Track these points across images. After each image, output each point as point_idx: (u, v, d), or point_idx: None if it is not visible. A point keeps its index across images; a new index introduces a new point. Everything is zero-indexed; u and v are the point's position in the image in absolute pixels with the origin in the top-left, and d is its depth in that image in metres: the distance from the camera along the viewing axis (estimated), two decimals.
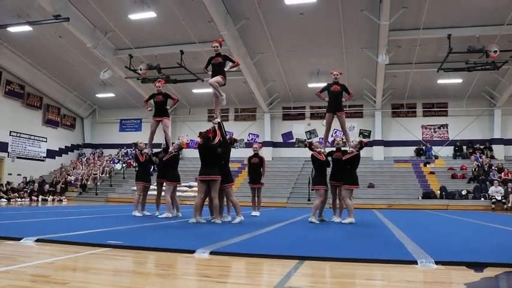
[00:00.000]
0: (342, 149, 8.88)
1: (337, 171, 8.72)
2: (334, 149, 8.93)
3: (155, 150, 10.39)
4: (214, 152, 8.02)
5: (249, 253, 4.16)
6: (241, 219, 8.16)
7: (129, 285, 3.02)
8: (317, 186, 8.54)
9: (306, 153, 23.65)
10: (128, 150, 27.63)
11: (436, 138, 24.32)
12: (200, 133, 8.18)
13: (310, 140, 8.98)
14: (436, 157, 23.66)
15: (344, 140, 9.27)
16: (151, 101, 10.03)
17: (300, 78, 22.69)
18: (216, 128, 8.29)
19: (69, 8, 17.53)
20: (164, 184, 9.82)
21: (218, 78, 8.64)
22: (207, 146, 8.01)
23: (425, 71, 20.84)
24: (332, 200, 9.10)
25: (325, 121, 9.65)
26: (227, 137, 8.65)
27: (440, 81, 21.99)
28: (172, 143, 9.85)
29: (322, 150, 8.72)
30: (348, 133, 9.22)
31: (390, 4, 15.31)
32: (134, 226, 7.04)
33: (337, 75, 9.08)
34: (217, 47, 8.82)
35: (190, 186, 21.05)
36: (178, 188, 20.12)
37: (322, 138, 8.90)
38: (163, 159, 9.66)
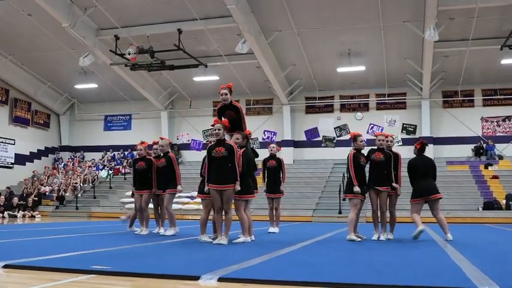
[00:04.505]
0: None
1: (375, 173, 8.74)
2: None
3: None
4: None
5: (266, 279, 4.16)
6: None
7: None
8: (351, 194, 8.51)
9: (336, 154, 23.80)
10: (115, 153, 27.82)
11: (500, 134, 24.05)
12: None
13: (357, 133, 8.82)
14: (501, 157, 23.40)
15: (387, 140, 9.17)
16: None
17: (327, 61, 22.62)
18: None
19: None
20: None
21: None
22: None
23: (485, 48, 20.61)
24: (372, 210, 9.02)
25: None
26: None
27: (504, 62, 21.74)
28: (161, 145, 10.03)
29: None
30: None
31: None
32: (124, 247, 7.09)
33: (383, 140, 8.84)
34: (226, 94, 8.20)
35: (192, 197, 21.08)
36: (177, 200, 20.51)
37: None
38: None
